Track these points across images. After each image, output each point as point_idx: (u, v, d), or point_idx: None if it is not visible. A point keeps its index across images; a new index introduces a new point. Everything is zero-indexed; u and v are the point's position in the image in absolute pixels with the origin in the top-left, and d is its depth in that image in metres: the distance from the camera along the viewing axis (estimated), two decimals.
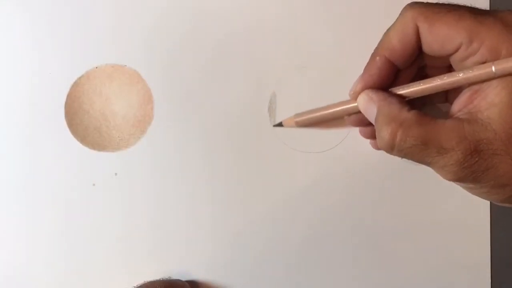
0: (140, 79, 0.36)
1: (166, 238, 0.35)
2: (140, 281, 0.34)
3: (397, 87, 0.28)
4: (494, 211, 0.34)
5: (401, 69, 0.28)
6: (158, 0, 0.36)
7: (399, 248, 0.34)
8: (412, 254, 0.34)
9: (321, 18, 0.35)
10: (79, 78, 0.36)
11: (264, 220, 0.35)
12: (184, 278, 0.34)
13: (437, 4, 0.25)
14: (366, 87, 0.28)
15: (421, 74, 0.29)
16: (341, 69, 0.35)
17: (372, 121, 0.27)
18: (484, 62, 0.24)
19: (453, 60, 0.26)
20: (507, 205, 0.26)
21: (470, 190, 0.26)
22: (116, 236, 0.35)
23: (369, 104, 0.28)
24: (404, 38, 0.26)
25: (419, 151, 0.25)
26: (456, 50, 0.25)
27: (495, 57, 0.24)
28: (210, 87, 0.35)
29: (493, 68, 0.24)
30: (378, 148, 0.32)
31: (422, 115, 0.25)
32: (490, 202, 0.34)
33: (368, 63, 0.28)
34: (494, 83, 0.24)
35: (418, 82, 0.27)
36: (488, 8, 0.34)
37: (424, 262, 0.34)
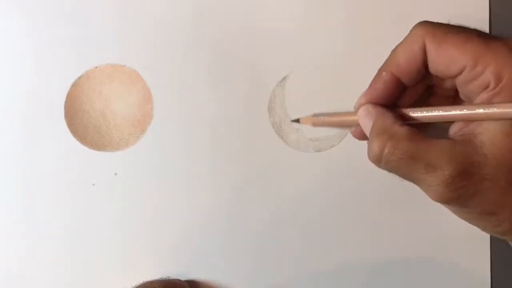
0: (140, 78, 0.36)
1: (166, 237, 0.35)
2: (139, 281, 0.34)
3: (400, 108, 0.28)
4: None
5: (408, 86, 0.28)
6: (158, 0, 0.36)
7: (400, 248, 0.34)
8: (412, 253, 0.34)
9: (321, 18, 0.35)
10: (79, 78, 0.36)
11: (264, 220, 0.35)
12: (183, 277, 0.35)
13: (447, 24, 0.25)
14: (370, 101, 0.28)
15: (430, 92, 0.29)
16: (342, 69, 0.35)
17: (368, 135, 0.27)
18: (487, 86, 0.24)
19: (458, 81, 0.26)
20: (496, 235, 0.26)
21: (457, 213, 0.26)
22: (116, 236, 0.35)
23: (366, 118, 0.27)
24: (410, 56, 0.26)
25: (406, 166, 0.24)
26: (460, 72, 0.25)
27: (498, 82, 0.23)
28: (209, 86, 0.35)
29: (494, 110, 0.23)
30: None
31: (415, 131, 0.25)
32: None
33: (374, 78, 0.28)
34: None
35: (421, 108, 0.27)
36: (488, 9, 0.34)
37: (424, 261, 0.34)
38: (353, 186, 0.35)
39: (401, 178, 0.26)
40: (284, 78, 0.35)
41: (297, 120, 0.34)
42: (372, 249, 0.34)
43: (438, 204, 0.35)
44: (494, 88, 0.24)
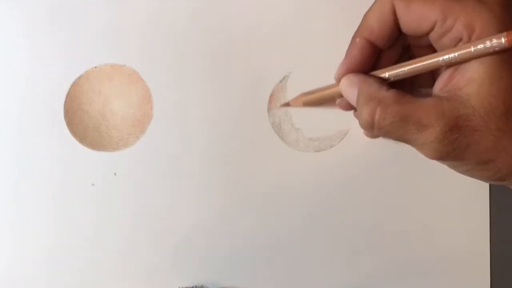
0: (139, 78, 0.36)
1: (164, 237, 0.35)
2: (139, 281, 0.34)
3: (378, 70, 0.28)
4: (494, 208, 0.34)
5: (383, 49, 0.28)
6: (158, 0, 0.36)
7: (399, 247, 0.34)
8: (411, 252, 0.34)
9: (321, 18, 0.35)
10: (78, 78, 0.36)
11: (263, 220, 0.35)
12: (181, 278, 0.35)
13: None
14: (349, 70, 0.28)
15: (408, 54, 0.30)
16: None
17: (354, 105, 0.27)
18: (460, 39, 0.24)
19: (431, 38, 0.26)
20: (495, 183, 0.26)
21: (455, 168, 0.26)
22: (115, 236, 0.35)
23: (350, 88, 0.28)
24: (381, 19, 0.26)
25: (398, 128, 0.25)
26: (432, 28, 0.25)
27: (470, 33, 0.24)
28: (209, 86, 0.35)
29: (472, 49, 0.23)
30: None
31: (401, 93, 0.25)
32: (490, 201, 0.34)
33: (349, 46, 0.28)
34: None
35: (399, 64, 0.27)
36: None
37: (423, 260, 0.34)
38: (353, 186, 0.35)
39: (395, 141, 0.26)
40: (284, 78, 0.35)
41: (287, 104, 0.34)
42: (372, 248, 0.34)
43: (438, 204, 0.35)
44: (468, 40, 0.24)
